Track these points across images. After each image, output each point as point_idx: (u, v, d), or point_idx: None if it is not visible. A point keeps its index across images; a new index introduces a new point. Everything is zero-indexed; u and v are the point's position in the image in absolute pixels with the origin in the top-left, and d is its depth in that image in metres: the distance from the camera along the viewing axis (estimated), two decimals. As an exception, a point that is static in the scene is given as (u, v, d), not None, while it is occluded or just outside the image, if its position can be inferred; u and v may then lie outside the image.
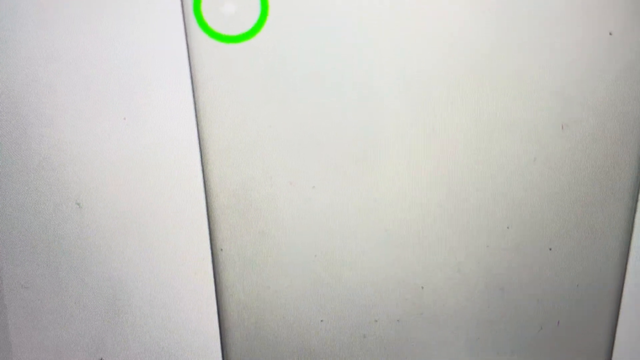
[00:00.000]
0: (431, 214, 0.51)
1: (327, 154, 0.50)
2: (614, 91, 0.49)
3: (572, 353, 0.54)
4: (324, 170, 0.50)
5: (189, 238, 0.50)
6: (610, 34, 0.48)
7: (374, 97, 0.49)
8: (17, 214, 0.49)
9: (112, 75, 0.48)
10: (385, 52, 0.48)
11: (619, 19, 0.48)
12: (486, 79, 0.48)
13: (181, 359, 0.51)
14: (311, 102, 0.49)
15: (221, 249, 0.51)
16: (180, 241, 0.50)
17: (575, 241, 0.52)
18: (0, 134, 0.47)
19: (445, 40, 0.48)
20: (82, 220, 0.50)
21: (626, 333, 0.52)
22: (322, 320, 0.53)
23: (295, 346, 0.54)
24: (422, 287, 0.52)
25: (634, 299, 0.52)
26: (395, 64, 0.48)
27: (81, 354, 0.51)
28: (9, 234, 0.49)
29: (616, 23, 0.48)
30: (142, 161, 0.48)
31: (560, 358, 0.54)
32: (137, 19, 0.46)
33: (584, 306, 0.53)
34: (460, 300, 0.53)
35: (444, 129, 0.49)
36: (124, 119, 0.48)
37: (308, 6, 0.47)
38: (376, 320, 0.53)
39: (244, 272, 0.52)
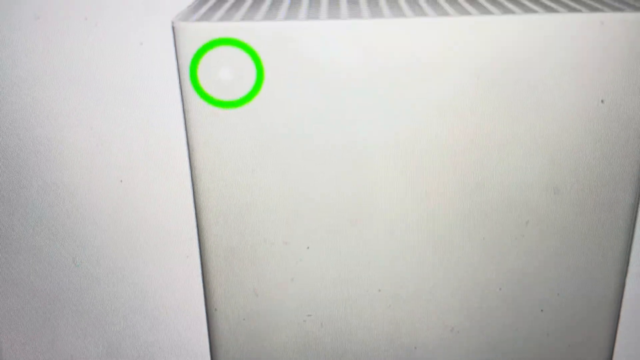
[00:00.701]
0: (424, 275, 0.52)
1: (321, 215, 0.51)
2: (606, 156, 0.50)
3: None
4: (318, 231, 0.51)
5: (183, 298, 0.51)
6: (602, 101, 0.49)
7: (368, 161, 0.50)
8: (17, 269, 0.50)
9: (107, 137, 0.49)
10: (379, 118, 0.49)
11: (609, 87, 0.49)
12: (478, 145, 0.49)
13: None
14: (306, 164, 0.50)
15: (215, 309, 0.52)
16: (176, 300, 0.51)
17: (566, 304, 0.52)
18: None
19: (438, 106, 0.49)
20: (78, 277, 0.51)
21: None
22: (315, 378, 0.54)
23: (289, 402, 0.54)
24: (415, 348, 0.53)
25: None
26: (389, 131, 0.49)
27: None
28: (9, 288, 0.50)
29: (607, 91, 0.49)
30: (137, 222, 0.50)
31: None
32: (135, 84, 0.48)
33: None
34: (453, 360, 0.53)
35: (436, 193, 0.50)
36: (121, 181, 0.49)
37: (303, 73, 0.48)
38: (370, 378, 0.54)
39: (238, 331, 0.53)
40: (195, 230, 0.50)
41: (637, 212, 0.51)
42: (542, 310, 0.53)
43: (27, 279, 0.49)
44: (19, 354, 0.51)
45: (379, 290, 0.52)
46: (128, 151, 0.48)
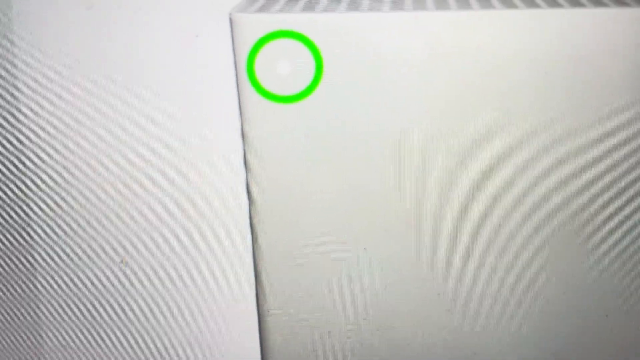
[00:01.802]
0: (484, 279, 0.51)
1: (378, 216, 0.50)
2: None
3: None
4: (375, 233, 0.50)
5: (236, 300, 0.50)
6: None
7: (428, 161, 0.49)
8: (62, 271, 0.49)
9: (163, 134, 0.48)
10: (442, 116, 0.48)
11: None
12: (546, 146, 0.48)
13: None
14: (363, 164, 0.49)
15: (268, 311, 0.51)
16: (227, 303, 0.49)
17: (632, 309, 0.51)
18: (46, 192, 0.47)
19: (505, 104, 0.48)
20: (126, 280, 0.49)
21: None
22: (368, 384, 0.53)
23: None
24: (475, 354, 0.52)
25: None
26: (452, 130, 0.48)
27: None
28: (54, 290, 0.49)
29: None
30: (189, 222, 0.49)
31: None
32: (191, 77, 0.47)
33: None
34: (513, 367, 0.52)
35: (499, 195, 0.49)
36: (173, 178, 0.48)
37: (364, 67, 0.47)
38: (425, 385, 0.53)
39: (290, 333, 0.52)
40: (248, 229, 0.49)
41: None
42: (607, 316, 0.51)
43: (73, 280, 0.48)
44: (62, 356, 0.50)
45: (438, 294, 0.51)
46: (181, 147, 0.47)
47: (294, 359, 0.52)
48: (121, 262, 0.49)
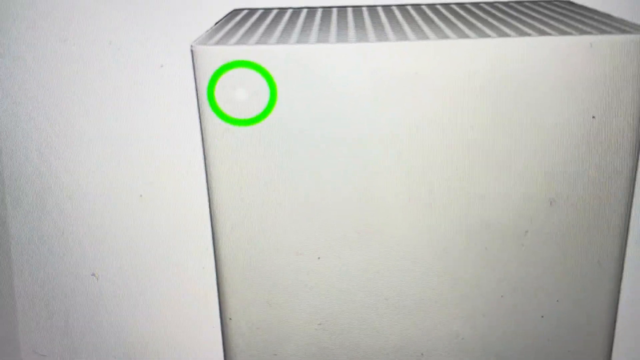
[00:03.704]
0: (429, 284, 0.56)
1: (331, 228, 0.55)
2: (598, 168, 0.55)
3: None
4: (328, 243, 0.55)
5: (199, 307, 0.54)
6: (593, 117, 0.54)
7: (374, 176, 0.54)
8: (38, 282, 0.54)
9: (129, 154, 0.53)
10: (384, 135, 0.54)
11: (600, 104, 0.54)
12: (478, 160, 0.54)
13: None
14: (315, 179, 0.55)
15: (230, 318, 0.56)
16: (192, 310, 0.54)
17: (566, 310, 0.57)
18: (23, 210, 0.52)
19: (440, 123, 0.54)
20: (97, 291, 0.54)
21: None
22: (326, 386, 0.58)
23: (300, 411, 0.58)
24: (422, 354, 0.57)
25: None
26: (393, 147, 0.54)
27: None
28: (30, 301, 0.54)
29: (597, 107, 0.54)
30: (156, 236, 0.54)
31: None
32: (157, 102, 0.52)
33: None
34: (459, 366, 0.57)
35: (439, 205, 0.55)
36: (140, 196, 0.53)
37: (313, 92, 0.53)
38: (378, 386, 0.58)
39: (251, 339, 0.57)
40: (211, 242, 0.54)
41: (629, 220, 0.56)
42: (542, 317, 0.57)
43: (48, 291, 0.53)
44: (38, 364, 0.54)
45: (386, 299, 0.56)
46: (148, 167, 0.52)
47: (255, 363, 0.57)
48: (93, 274, 0.54)
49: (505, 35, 0.53)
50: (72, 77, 0.51)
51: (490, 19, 0.60)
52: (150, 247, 0.54)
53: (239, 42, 0.53)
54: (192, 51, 0.53)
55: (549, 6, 0.68)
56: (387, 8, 0.68)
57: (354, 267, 0.57)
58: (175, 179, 0.54)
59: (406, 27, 0.58)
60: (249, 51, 0.52)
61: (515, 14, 0.64)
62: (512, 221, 0.56)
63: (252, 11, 0.68)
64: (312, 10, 0.68)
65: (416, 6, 0.70)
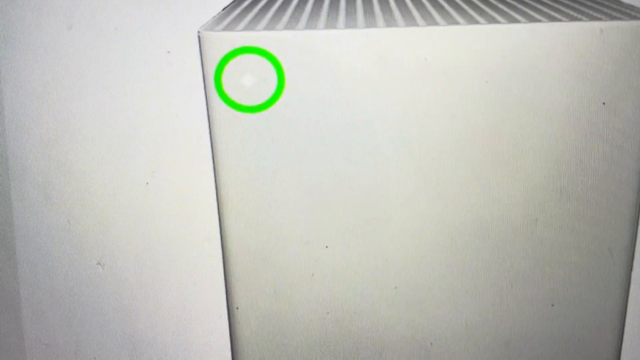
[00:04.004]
0: (438, 273, 0.56)
1: (339, 216, 0.55)
2: (608, 156, 0.54)
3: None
4: (336, 231, 0.55)
5: (206, 297, 0.54)
6: (604, 104, 0.54)
7: (383, 164, 0.54)
8: (43, 272, 0.54)
9: (136, 141, 0.53)
10: (393, 122, 0.54)
11: (610, 90, 0.53)
12: (488, 147, 0.54)
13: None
14: (323, 166, 0.54)
15: (237, 307, 0.56)
16: (198, 300, 0.54)
17: (576, 298, 0.56)
18: (27, 198, 0.52)
19: (449, 110, 0.54)
20: (103, 279, 0.54)
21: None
22: (333, 376, 0.57)
23: (307, 402, 0.58)
24: (431, 344, 0.57)
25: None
26: (403, 134, 0.54)
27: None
28: (35, 290, 0.53)
29: (608, 94, 0.53)
30: (163, 224, 0.53)
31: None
32: (164, 89, 0.52)
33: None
34: (468, 355, 0.57)
35: (449, 193, 0.55)
36: (147, 183, 0.53)
37: (321, 78, 0.53)
38: (386, 376, 0.57)
39: (258, 328, 0.56)
40: (218, 231, 0.54)
41: (639, 208, 0.55)
42: (552, 305, 0.57)
43: (51, 280, 0.53)
44: (43, 354, 0.54)
45: (395, 288, 0.56)
46: (155, 155, 0.52)
47: (262, 353, 0.57)
48: (98, 263, 0.53)
49: (515, 21, 0.53)
50: (78, 64, 0.51)
51: (500, 5, 0.59)
52: (157, 236, 0.53)
53: (246, 28, 0.53)
54: (199, 37, 0.52)
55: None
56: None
57: (362, 256, 0.57)
58: (182, 166, 0.53)
59: (415, 12, 0.57)
60: (257, 37, 0.52)
61: (525, 0, 0.63)
62: (522, 209, 0.56)
63: (259, -3, 0.67)
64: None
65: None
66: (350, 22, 0.54)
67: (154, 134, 0.52)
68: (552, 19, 0.54)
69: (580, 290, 0.58)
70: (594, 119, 0.55)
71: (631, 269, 0.57)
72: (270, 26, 0.53)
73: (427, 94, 0.54)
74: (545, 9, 0.57)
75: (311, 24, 0.54)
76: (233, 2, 0.64)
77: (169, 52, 0.53)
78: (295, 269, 0.56)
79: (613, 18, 0.54)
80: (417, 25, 0.53)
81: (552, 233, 0.57)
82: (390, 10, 0.59)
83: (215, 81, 0.53)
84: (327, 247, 0.57)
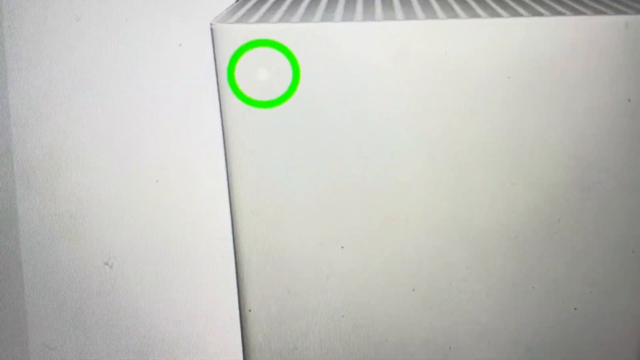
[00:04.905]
0: (458, 274, 0.55)
1: (355, 215, 0.54)
2: (635, 153, 0.53)
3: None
4: (352, 232, 0.54)
5: (218, 299, 0.53)
6: (629, 100, 0.52)
7: (401, 161, 0.53)
8: (48, 272, 0.52)
9: (146, 137, 0.52)
10: (412, 118, 0.52)
11: (636, 86, 0.52)
12: (509, 144, 0.53)
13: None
14: (339, 165, 0.53)
15: (250, 310, 0.54)
16: (210, 302, 0.53)
17: (599, 302, 0.55)
18: (33, 196, 0.50)
19: (469, 106, 0.52)
20: (110, 280, 0.53)
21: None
22: (348, 381, 0.56)
23: (321, 408, 0.56)
24: (450, 348, 0.55)
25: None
26: (421, 131, 0.52)
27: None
28: (40, 292, 0.52)
29: (633, 90, 0.52)
30: (173, 223, 0.52)
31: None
32: (175, 83, 0.51)
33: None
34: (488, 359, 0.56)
35: (469, 193, 0.53)
36: (157, 180, 0.52)
37: (338, 73, 0.52)
38: (403, 381, 0.56)
39: (271, 332, 0.55)
40: (230, 231, 0.52)
41: (667, 207, 0.54)
42: (575, 309, 0.55)
43: (59, 281, 0.51)
44: (48, 357, 0.52)
45: (413, 290, 0.55)
46: (165, 151, 0.51)
47: (275, 357, 0.56)
48: (106, 263, 0.52)
49: (539, 14, 0.52)
50: (87, 57, 0.49)
51: (522, -2, 0.58)
52: (167, 235, 0.52)
53: (260, 20, 0.52)
54: (211, 30, 0.51)
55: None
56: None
57: (379, 257, 0.55)
58: (194, 164, 0.52)
59: (435, 5, 0.56)
60: (271, 30, 0.51)
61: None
62: (544, 209, 0.55)
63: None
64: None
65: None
66: (368, 15, 0.53)
67: (165, 129, 0.51)
68: (576, 12, 0.53)
69: (603, 293, 0.56)
70: (619, 115, 0.53)
71: (657, 272, 0.55)
72: (285, 18, 0.52)
73: (446, 89, 0.53)
74: (569, 2, 0.56)
75: (327, 16, 0.53)
76: (246, -6, 0.63)
77: (180, 44, 0.52)
78: (310, 271, 0.55)
79: (639, 12, 0.53)
80: (437, 18, 0.52)
81: (575, 234, 0.56)
82: (409, 2, 0.58)
83: (228, 75, 0.52)
84: (342, 247, 0.55)
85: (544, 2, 0.56)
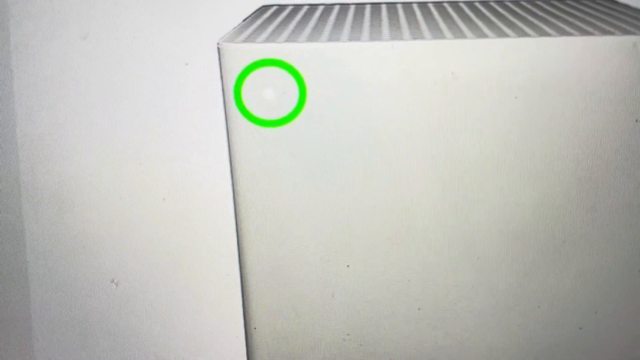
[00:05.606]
0: (463, 294, 0.55)
1: (361, 234, 0.54)
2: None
3: None
4: (358, 250, 0.54)
5: (223, 317, 0.53)
6: (637, 120, 0.53)
7: (407, 181, 0.53)
8: (54, 290, 0.53)
9: (152, 155, 0.52)
10: (418, 137, 0.53)
11: (644, 106, 0.52)
12: (515, 164, 0.53)
13: None
14: (344, 183, 0.53)
15: (255, 328, 0.55)
16: (215, 320, 0.53)
17: (604, 321, 0.55)
18: (40, 212, 0.51)
19: (476, 125, 0.53)
20: (117, 299, 0.53)
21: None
22: (353, 399, 0.56)
23: None
24: (455, 367, 0.56)
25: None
26: (428, 150, 0.52)
27: None
28: (46, 309, 0.52)
29: (641, 111, 0.52)
30: (179, 242, 0.52)
31: None
32: (181, 102, 0.51)
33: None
34: (492, 379, 0.56)
35: (474, 213, 0.53)
36: (163, 199, 0.52)
37: (345, 92, 0.52)
38: (407, 400, 0.56)
39: (276, 350, 0.55)
40: (236, 249, 0.53)
41: (673, 229, 0.54)
42: (580, 328, 0.56)
43: (65, 299, 0.52)
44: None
45: (419, 309, 0.55)
46: (172, 169, 0.51)
47: (280, 375, 0.56)
48: (112, 281, 0.52)
49: (546, 34, 0.52)
50: (93, 75, 0.50)
51: (530, 17, 0.58)
52: (173, 253, 0.52)
53: (267, 40, 0.52)
54: (218, 49, 0.51)
55: (591, 5, 0.67)
56: (422, 5, 0.67)
57: (385, 276, 0.56)
58: (200, 182, 0.52)
59: (442, 25, 0.56)
60: (278, 49, 0.51)
61: (556, 12, 0.62)
62: (549, 229, 0.55)
63: (281, 7, 0.66)
64: (344, 6, 0.67)
65: (453, 3, 0.69)
66: (375, 34, 0.53)
67: (172, 148, 0.51)
68: (584, 32, 0.53)
69: (608, 312, 0.57)
70: (626, 136, 0.54)
71: (663, 293, 0.55)
72: (292, 38, 0.52)
73: (453, 109, 0.53)
74: (577, 22, 0.56)
75: (334, 36, 0.53)
76: (254, 12, 0.63)
77: (187, 64, 0.52)
78: (315, 289, 0.55)
79: (647, 32, 0.53)
80: (444, 37, 0.52)
81: (580, 253, 0.56)
82: (416, 22, 0.58)
83: (234, 94, 0.52)
84: (348, 266, 0.56)
85: (552, 23, 0.56)
